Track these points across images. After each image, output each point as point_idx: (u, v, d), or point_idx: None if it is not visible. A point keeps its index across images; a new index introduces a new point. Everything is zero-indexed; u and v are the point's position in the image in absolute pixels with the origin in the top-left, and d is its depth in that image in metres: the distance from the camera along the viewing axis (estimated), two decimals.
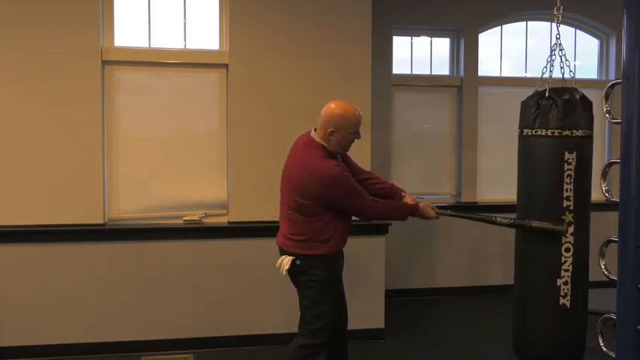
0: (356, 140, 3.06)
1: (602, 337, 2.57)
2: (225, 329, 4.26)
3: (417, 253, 5.64)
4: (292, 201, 2.99)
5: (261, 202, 4.22)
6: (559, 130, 3.03)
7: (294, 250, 3.01)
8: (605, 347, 2.53)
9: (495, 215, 3.28)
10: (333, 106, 2.99)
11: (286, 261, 3.02)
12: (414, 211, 3.15)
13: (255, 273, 4.26)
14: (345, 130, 2.96)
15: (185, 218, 4.29)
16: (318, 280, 3.00)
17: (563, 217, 3.05)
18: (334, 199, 2.93)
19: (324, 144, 2.97)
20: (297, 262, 3.00)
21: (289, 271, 3.04)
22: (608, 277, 2.49)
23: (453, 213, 3.40)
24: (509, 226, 3.22)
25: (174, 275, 4.20)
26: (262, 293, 4.28)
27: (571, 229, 3.06)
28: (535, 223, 3.11)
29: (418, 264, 5.66)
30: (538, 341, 3.18)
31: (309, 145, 3.00)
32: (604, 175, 2.56)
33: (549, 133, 3.05)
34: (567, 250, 3.06)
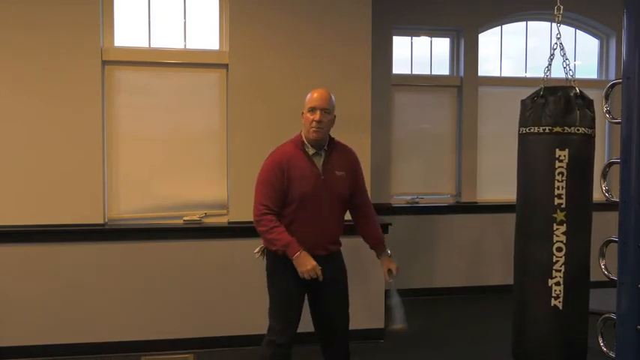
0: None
1: (602, 337, 2.57)
2: (225, 329, 4.26)
3: (417, 253, 5.64)
4: None
5: None
6: (550, 127, 3.02)
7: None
8: (605, 347, 2.53)
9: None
10: None
11: (259, 247, 3.13)
12: (289, 249, 2.90)
13: (255, 273, 4.25)
14: (305, 108, 3.02)
15: (185, 218, 4.29)
16: (268, 274, 3.10)
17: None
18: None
19: (302, 135, 3.05)
20: (260, 251, 3.13)
21: None
22: (608, 277, 2.49)
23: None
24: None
25: (174, 275, 4.20)
26: (262, 293, 4.25)
27: (563, 228, 3.04)
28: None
29: (418, 264, 5.66)
30: (531, 343, 3.16)
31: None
32: (604, 175, 2.56)
33: (541, 130, 3.05)
34: (559, 249, 3.02)
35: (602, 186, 2.53)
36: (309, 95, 3.03)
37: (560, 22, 3.18)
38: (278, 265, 3.02)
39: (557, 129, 3.01)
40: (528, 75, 5.96)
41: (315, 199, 2.98)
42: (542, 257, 3.07)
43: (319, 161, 3.03)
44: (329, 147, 3.07)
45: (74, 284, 4.09)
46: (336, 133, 3.26)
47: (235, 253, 4.25)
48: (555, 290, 3.04)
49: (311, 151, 3.02)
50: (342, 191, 3.09)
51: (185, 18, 4.39)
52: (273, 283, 3.07)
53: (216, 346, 4.24)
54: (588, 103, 3.10)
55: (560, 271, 3.03)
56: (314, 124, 2.96)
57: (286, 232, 2.93)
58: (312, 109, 2.97)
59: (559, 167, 3.01)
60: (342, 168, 3.09)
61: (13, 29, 3.99)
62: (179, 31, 4.39)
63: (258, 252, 3.12)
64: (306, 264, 2.90)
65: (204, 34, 4.38)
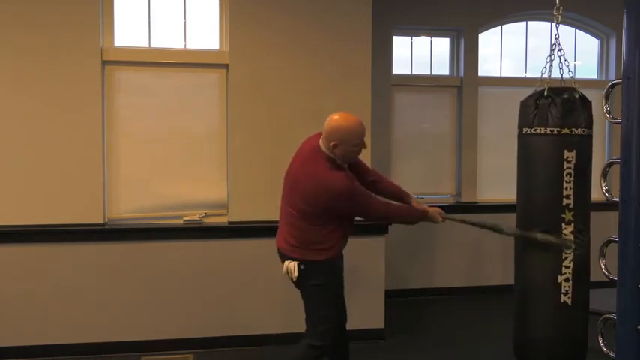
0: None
1: (602, 337, 2.57)
2: (225, 329, 4.26)
3: (417, 253, 5.64)
4: (298, 208, 2.98)
5: (261, 202, 4.22)
6: (558, 129, 3.03)
7: (297, 255, 3.02)
8: (605, 347, 2.54)
9: (502, 224, 3.19)
10: (335, 118, 2.94)
11: (292, 266, 3.02)
12: (424, 216, 3.16)
13: (255, 273, 4.26)
14: (348, 144, 2.93)
15: (185, 218, 4.29)
16: (321, 284, 3.01)
17: (565, 234, 3.03)
18: (344, 210, 2.96)
19: (331, 155, 2.95)
20: (302, 267, 3.01)
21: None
22: (608, 277, 2.49)
23: (461, 219, 3.28)
24: (516, 236, 3.19)
25: (174, 275, 4.20)
26: (262, 293, 4.28)
27: (571, 228, 3.06)
28: (540, 237, 3.08)
29: (418, 264, 5.66)
30: (539, 339, 3.18)
31: (316, 155, 2.96)
32: (604, 175, 2.57)
33: (548, 132, 3.05)
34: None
35: (602, 186, 2.53)
36: (349, 128, 2.92)
37: (559, 23, 3.19)
38: (336, 275, 3.10)
39: (565, 130, 3.02)
40: (528, 75, 5.96)
41: None
42: (552, 256, 3.09)
43: None
44: None
45: (74, 284, 4.08)
46: None
47: (235, 253, 4.25)
48: (564, 286, 3.07)
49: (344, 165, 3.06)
50: None
51: (185, 18, 4.39)
52: (329, 292, 3.07)
53: (216, 346, 4.24)
54: (588, 105, 3.12)
55: (568, 267, 3.07)
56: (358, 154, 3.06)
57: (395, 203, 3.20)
58: (362, 143, 3.01)
59: (567, 168, 3.03)
60: None
61: (13, 29, 3.99)
62: (179, 31, 4.39)
63: (296, 271, 3.01)
64: (437, 216, 3.18)
65: (204, 34, 4.38)
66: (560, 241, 3.05)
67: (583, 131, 3.05)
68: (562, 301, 3.08)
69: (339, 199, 2.89)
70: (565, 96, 3.06)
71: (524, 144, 3.20)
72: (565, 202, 3.05)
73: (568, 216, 3.07)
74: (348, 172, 3.03)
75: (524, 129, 3.18)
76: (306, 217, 2.96)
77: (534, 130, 3.10)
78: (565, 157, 3.03)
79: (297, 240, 3.01)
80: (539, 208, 3.15)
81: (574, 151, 3.02)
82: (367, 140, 4.26)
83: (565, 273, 3.07)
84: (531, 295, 3.21)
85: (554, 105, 3.05)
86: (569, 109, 3.04)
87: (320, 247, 2.98)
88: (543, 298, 3.15)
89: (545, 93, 3.10)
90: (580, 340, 3.17)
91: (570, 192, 3.04)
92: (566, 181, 3.04)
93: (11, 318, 4.03)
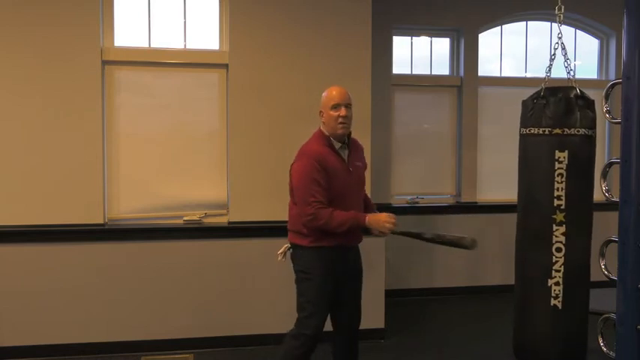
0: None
1: (602, 336, 2.57)
2: (226, 329, 4.26)
3: (417, 253, 5.64)
4: (290, 190, 3.07)
5: (261, 202, 4.22)
6: (549, 129, 3.03)
7: (289, 238, 3.10)
8: (605, 347, 2.54)
9: (423, 232, 3.15)
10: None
11: (283, 248, 3.12)
12: (360, 222, 2.94)
13: (255, 273, 4.26)
14: (327, 107, 3.02)
15: (185, 218, 4.29)
16: (302, 270, 3.03)
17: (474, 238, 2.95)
18: (294, 175, 2.98)
19: (325, 132, 3.05)
20: (289, 250, 3.09)
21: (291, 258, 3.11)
22: (608, 277, 2.49)
23: (406, 232, 3.12)
24: (429, 240, 3.17)
25: (174, 275, 4.20)
26: (262, 293, 4.28)
27: (562, 229, 3.05)
28: (448, 237, 3.11)
29: (418, 264, 5.66)
30: (532, 341, 3.18)
31: (313, 135, 3.10)
32: (604, 175, 2.57)
33: (541, 132, 3.06)
34: (558, 250, 3.05)
35: (602, 186, 2.53)
36: (325, 94, 3.06)
37: (561, 22, 3.18)
38: (319, 264, 3.01)
39: (557, 130, 3.02)
40: (528, 75, 5.96)
41: (348, 192, 3.03)
42: (542, 258, 3.09)
43: (345, 155, 3.07)
44: (348, 139, 3.12)
45: (74, 284, 4.08)
46: None
47: (235, 253, 4.25)
48: (555, 290, 3.06)
49: (337, 145, 3.05)
50: (364, 180, 3.20)
51: (185, 18, 4.39)
52: (314, 283, 3.01)
53: (216, 346, 4.24)
54: (589, 104, 3.11)
55: (559, 271, 3.05)
56: (340, 119, 2.99)
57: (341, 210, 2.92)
58: (337, 106, 2.99)
59: (558, 168, 3.03)
60: (360, 159, 3.19)
61: (13, 29, 3.98)
62: (179, 31, 4.39)
63: (281, 253, 3.12)
64: (380, 222, 2.92)
65: (204, 34, 4.38)
66: (461, 242, 3.01)
67: (578, 131, 3.03)
68: (552, 304, 3.07)
69: (296, 160, 2.98)
70: (558, 96, 3.06)
71: (522, 144, 3.21)
72: (556, 202, 3.04)
73: (559, 217, 3.05)
74: (339, 158, 3.02)
75: (522, 128, 3.19)
76: (293, 196, 3.05)
77: (529, 130, 3.11)
78: (556, 157, 3.02)
79: (290, 223, 3.09)
80: (534, 209, 3.15)
81: (566, 151, 3.01)
82: (367, 140, 4.33)
83: (555, 277, 3.06)
84: (525, 298, 3.21)
85: (548, 105, 3.04)
86: (564, 109, 3.03)
87: (301, 231, 3.01)
88: (535, 300, 3.14)
89: (542, 93, 3.09)
90: (574, 342, 3.16)
91: (562, 192, 3.03)
92: (558, 182, 3.03)
93: (11, 318, 4.03)
